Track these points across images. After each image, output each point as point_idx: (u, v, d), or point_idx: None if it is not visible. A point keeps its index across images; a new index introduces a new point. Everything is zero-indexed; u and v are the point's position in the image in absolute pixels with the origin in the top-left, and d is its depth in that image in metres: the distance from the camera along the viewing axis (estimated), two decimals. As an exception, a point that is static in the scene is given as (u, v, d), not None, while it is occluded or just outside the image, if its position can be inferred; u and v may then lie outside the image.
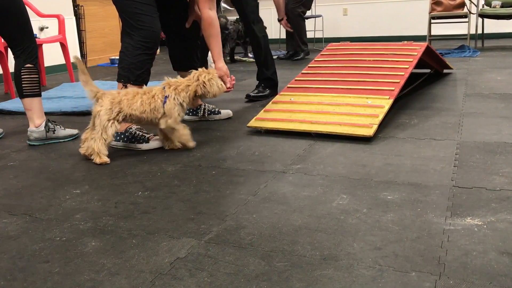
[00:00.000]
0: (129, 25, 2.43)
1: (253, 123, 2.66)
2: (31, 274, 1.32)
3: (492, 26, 6.39)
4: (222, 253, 1.38)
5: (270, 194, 1.79)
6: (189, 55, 2.88)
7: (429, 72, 4.02)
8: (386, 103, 2.58)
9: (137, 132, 2.44)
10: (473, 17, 5.83)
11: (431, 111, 2.87)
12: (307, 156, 2.19)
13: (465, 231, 1.43)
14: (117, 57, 6.65)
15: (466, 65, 4.58)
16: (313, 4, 7.04)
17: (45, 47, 4.87)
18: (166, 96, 2.25)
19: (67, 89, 4.28)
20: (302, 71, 3.20)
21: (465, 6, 5.77)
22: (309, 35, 6.27)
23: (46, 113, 3.37)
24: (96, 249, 1.44)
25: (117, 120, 2.21)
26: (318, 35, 7.19)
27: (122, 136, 2.45)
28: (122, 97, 2.22)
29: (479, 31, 5.94)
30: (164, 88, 2.28)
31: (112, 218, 1.65)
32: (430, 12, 5.85)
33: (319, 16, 6.94)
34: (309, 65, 3.27)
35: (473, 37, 5.98)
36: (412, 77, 3.60)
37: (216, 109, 2.97)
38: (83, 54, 6.07)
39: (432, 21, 5.91)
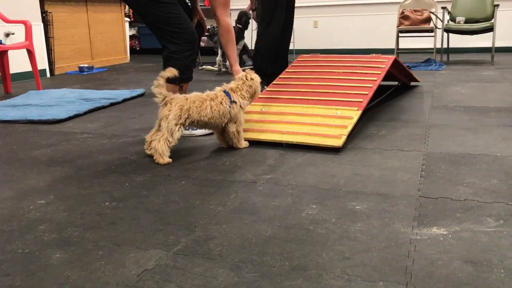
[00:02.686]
0: (169, 33, 2.54)
1: (223, 133, 2.66)
2: (-9, 288, 1.27)
3: (457, 41, 6.59)
4: (191, 265, 1.36)
5: (240, 204, 1.78)
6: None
7: (397, 85, 4.11)
8: (354, 114, 2.62)
9: None
10: (439, 32, 6.00)
11: (398, 123, 2.93)
12: (278, 166, 2.20)
13: (431, 241, 1.46)
14: (86, 65, 6.48)
15: (432, 78, 4.70)
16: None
17: (11, 53, 4.75)
18: (232, 101, 2.39)
19: (33, 97, 4.18)
20: (273, 82, 3.22)
21: (431, 21, 5.93)
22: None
23: (11, 121, 3.29)
24: (60, 261, 1.40)
25: (183, 125, 2.30)
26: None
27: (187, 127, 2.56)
28: (191, 104, 2.30)
29: (445, 46, 6.12)
30: (226, 93, 2.40)
31: (78, 229, 1.61)
32: (398, 26, 5.99)
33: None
34: (280, 76, 3.30)
35: (439, 51, 6.16)
36: (380, 89, 3.67)
37: None
38: (51, 62, 5.95)
39: (400, 35, 6.05)
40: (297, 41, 7.35)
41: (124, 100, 4.00)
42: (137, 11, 2.64)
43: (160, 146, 2.26)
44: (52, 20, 5.92)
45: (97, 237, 1.54)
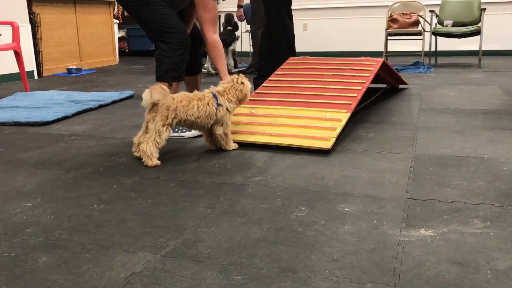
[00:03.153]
0: (161, 32, 2.60)
1: (213, 135, 2.65)
2: (-24, 292, 1.26)
3: (445, 44, 6.65)
4: (179, 267, 1.35)
5: (229, 206, 1.78)
6: (195, 60, 3.03)
7: (386, 87, 4.14)
8: (343, 116, 2.63)
9: None
10: (427, 35, 6.05)
11: (387, 125, 2.95)
12: (267, 168, 2.20)
13: (419, 242, 1.47)
14: (74, 67, 6.44)
15: (420, 81, 4.74)
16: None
17: (-2, 55, 4.70)
18: (218, 104, 2.38)
19: (20, 98, 4.14)
20: (263, 84, 3.23)
21: (420, 24, 5.98)
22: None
23: (-2, 123, 3.25)
24: (47, 264, 1.38)
25: (171, 125, 2.30)
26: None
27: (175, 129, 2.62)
28: (177, 103, 2.30)
29: (433, 49, 6.18)
30: (214, 95, 2.40)
31: (65, 232, 1.60)
32: (386, 29, 6.03)
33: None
34: (270, 79, 3.30)
35: (427, 54, 6.21)
36: (369, 92, 3.70)
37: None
38: (38, 63, 5.90)
39: (389, 38, 6.10)
40: (287, 44, 7.35)
41: (113, 102, 3.97)
42: (130, 13, 2.69)
43: (148, 148, 2.25)
44: (40, 21, 5.87)
45: (84, 240, 1.53)
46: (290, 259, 1.38)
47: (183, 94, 2.37)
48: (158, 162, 2.28)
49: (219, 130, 2.42)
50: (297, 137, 2.50)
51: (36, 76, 5.85)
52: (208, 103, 2.36)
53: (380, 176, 2.05)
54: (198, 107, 2.32)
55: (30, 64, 5.68)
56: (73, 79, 5.72)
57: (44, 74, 6.02)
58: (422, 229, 1.55)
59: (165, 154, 2.46)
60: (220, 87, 2.46)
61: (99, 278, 1.30)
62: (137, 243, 1.50)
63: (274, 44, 3.93)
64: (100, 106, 3.82)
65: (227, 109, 2.41)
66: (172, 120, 2.28)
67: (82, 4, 6.64)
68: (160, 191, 1.95)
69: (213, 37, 2.70)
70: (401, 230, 1.55)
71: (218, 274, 1.31)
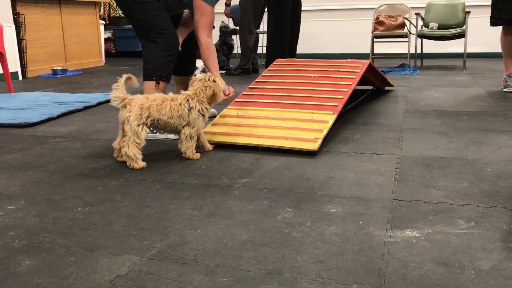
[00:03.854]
0: (151, 32, 2.65)
1: (199, 136, 2.64)
2: (-43, 296, 1.23)
3: (430, 46, 6.71)
4: (165, 270, 1.34)
5: (215, 208, 1.77)
6: (189, 60, 3.09)
7: (372, 89, 4.16)
8: (330, 118, 2.64)
9: None
10: (412, 37, 6.11)
11: (373, 127, 2.97)
12: (254, 170, 2.20)
13: (404, 243, 1.48)
14: (60, 68, 6.39)
15: (406, 83, 4.78)
16: (261, 21, 7.14)
17: (-19, 55, 4.64)
18: (190, 107, 2.36)
19: (4, 100, 4.08)
20: (250, 86, 3.22)
21: (405, 27, 6.03)
22: (258, 50, 6.34)
23: (-19, 125, 3.20)
24: (30, 268, 1.37)
25: (146, 125, 2.28)
26: (266, 50, 7.28)
27: (151, 128, 2.57)
28: (151, 102, 2.29)
29: (418, 51, 6.23)
30: (187, 99, 2.37)
31: (49, 235, 1.58)
32: (373, 31, 6.07)
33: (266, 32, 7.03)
34: (257, 80, 3.30)
35: (413, 56, 6.26)
36: (355, 94, 3.71)
37: None
38: (23, 64, 5.83)
39: (375, 40, 6.14)
40: (274, 46, 7.36)
41: (99, 104, 3.94)
42: (123, 8, 2.73)
43: (130, 151, 2.22)
44: (24, 22, 5.80)
45: (69, 243, 1.51)
46: (277, 260, 1.38)
47: (158, 95, 2.37)
48: (144, 164, 2.26)
49: (186, 131, 2.36)
50: (284, 138, 2.50)
51: (20, 77, 5.78)
52: (180, 104, 2.34)
53: (366, 178, 2.07)
54: (170, 107, 2.31)
55: (14, 65, 5.61)
56: (58, 80, 5.66)
57: (29, 75, 5.94)
58: (408, 230, 1.56)
59: (151, 156, 2.44)
60: (190, 91, 2.41)
61: (84, 282, 1.29)
62: (122, 246, 1.49)
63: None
64: (86, 108, 3.79)
65: (199, 111, 2.37)
66: (146, 119, 2.26)
67: (67, 5, 6.57)
68: (146, 193, 1.94)
69: (206, 39, 2.75)
70: (387, 231, 1.56)
71: (204, 276, 1.31)
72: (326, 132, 2.53)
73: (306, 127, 2.58)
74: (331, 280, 1.28)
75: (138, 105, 2.25)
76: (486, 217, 1.65)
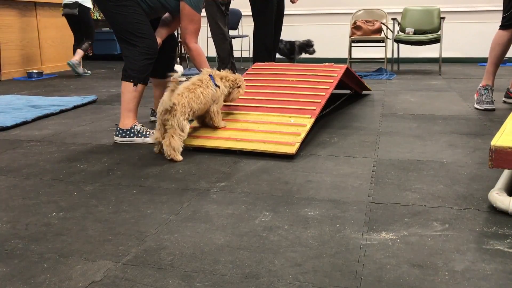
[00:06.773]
0: (131, 36, 2.69)
1: (177, 140, 2.62)
2: None
3: (407, 51, 6.82)
4: (141, 275, 1.33)
5: (192, 213, 1.76)
6: (167, 63, 3.13)
7: (349, 93, 4.20)
8: (308, 122, 2.66)
9: (142, 128, 2.77)
10: (389, 42, 6.19)
11: (350, 130, 2.99)
12: (232, 173, 2.19)
13: (380, 246, 1.49)
14: (35, 71, 6.29)
15: (383, 87, 4.84)
16: (239, 24, 7.16)
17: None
18: (216, 85, 2.59)
19: (-23, 103, 3.99)
20: (228, 89, 3.22)
21: (382, 32, 6.12)
22: (236, 54, 6.34)
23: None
24: (1, 275, 1.33)
25: (187, 119, 2.42)
26: (245, 54, 7.30)
27: (128, 132, 2.73)
28: (188, 98, 2.42)
29: (395, 55, 6.32)
30: (211, 77, 2.59)
31: (21, 241, 1.54)
32: (350, 36, 6.14)
33: (245, 36, 7.05)
34: (235, 84, 3.29)
35: (390, 60, 6.35)
36: (333, 98, 3.74)
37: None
38: (-3, 67, 5.71)
39: (352, 44, 6.20)
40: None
41: (75, 107, 3.88)
42: (103, 10, 2.74)
43: (176, 142, 2.35)
44: (-2, 23, 5.70)
45: (42, 249, 1.48)
46: (254, 264, 1.38)
47: (183, 88, 2.45)
48: (182, 158, 2.39)
49: (214, 108, 2.59)
50: (262, 142, 2.50)
51: (-6, 80, 5.67)
52: (207, 86, 2.53)
53: (343, 181, 2.08)
54: (202, 94, 2.49)
55: (-13, 68, 5.50)
56: (33, 83, 5.57)
57: (3, 78, 5.83)
58: (384, 233, 1.58)
59: (128, 159, 2.42)
60: (223, 73, 2.69)
61: (57, 288, 1.26)
62: (98, 251, 1.47)
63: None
64: (62, 111, 3.73)
65: (222, 91, 2.63)
66: (189, 114, 2.42)
67: (43, 7, 6.47)
68: (122, 198, 1.91)
69: (195, 45, 2.88)
70: (363, 233, 1.57)
71: (180, 281, 1.30)
72: (304, 135, 2.54)
73: (284, 130, 2.59)
74: (308, 283, 1.28)
75: (181, 104, 2.37)
76: (460, 219, 1.68)
